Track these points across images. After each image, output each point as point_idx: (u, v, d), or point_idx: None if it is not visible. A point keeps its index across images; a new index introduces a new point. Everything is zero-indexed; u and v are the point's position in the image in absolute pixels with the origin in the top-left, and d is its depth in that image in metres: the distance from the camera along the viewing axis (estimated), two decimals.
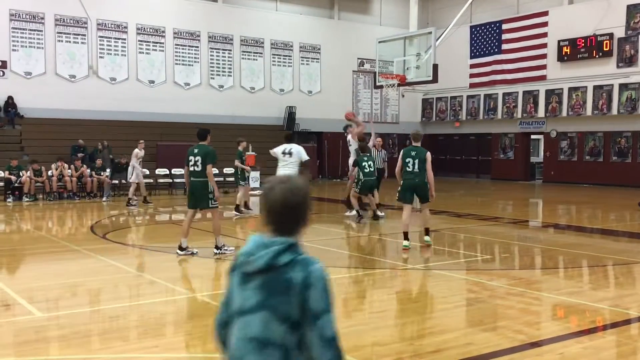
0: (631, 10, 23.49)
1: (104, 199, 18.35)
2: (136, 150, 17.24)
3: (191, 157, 9.11)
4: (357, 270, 8.67)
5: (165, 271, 8.34)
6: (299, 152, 11.58)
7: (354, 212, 13.50)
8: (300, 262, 2.09)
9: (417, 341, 5.30)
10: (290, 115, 27.31)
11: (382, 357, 4.89)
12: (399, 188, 9.82)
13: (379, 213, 13.64)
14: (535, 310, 6.51)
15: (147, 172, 17.94)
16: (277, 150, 11.87)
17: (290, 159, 11.55)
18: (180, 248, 9.16)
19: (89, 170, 19.03)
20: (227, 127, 23.74)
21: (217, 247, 9.21)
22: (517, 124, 27.72)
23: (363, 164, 13.10)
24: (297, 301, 2.06)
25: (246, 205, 15.20)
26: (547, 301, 6.86)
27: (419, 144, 9.72)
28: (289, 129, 27.16)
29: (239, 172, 14.97)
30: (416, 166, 9.48)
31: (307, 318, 2.05)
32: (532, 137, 29.01)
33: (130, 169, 17.46)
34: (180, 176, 21.48)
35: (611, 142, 24.45)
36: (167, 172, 21.46)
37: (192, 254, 9.15)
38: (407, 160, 9.57)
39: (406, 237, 9.70)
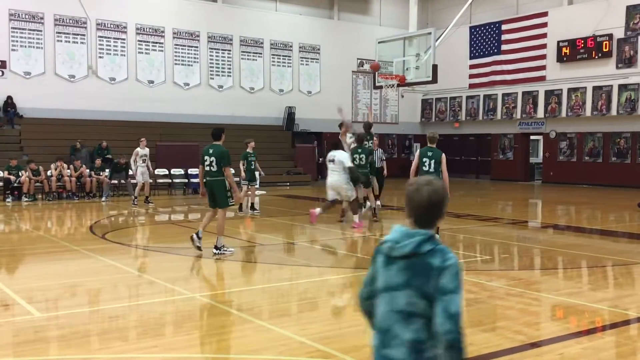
0: (630, 11, 23.50)
1: (103, 199, 18.34)
2: (137, 149, 16.99)
3: (206, 157, 9.19)
4: (358, 271, 8.66)
5: (164, 271, 8.34)
6: (341, 160, 12.03)
7: (367, 207, 13.66)
8: (439, 250, 2.44)
9: None
10: (290, 115, 27.30)
11: None
12: None
13: (375, 211, 13.56)
14: (535, 310, 6.52)
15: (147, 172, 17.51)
16: (327, 160, 12.40)
17: (333, 165, 12.08)
18: (197, 235, 9.21)
19: (88, 170, 19.02)
20: (227, 127, 23.36)
21: (216, 248, 9.19)
22: (516, 124, 27.73)
23: (354, 155, 13.01)
24: (434, 282, 2.39)
25: (252, 207, 15.08)
26: (546, 302, 6.87)
27: (434, 145, 10.21)
28: (288, 130, 27.25)
29: (244, 173, 14.80)
30: (432, 166, 10.04)
31: (437, 293, 2.38)
32: (532, 137, 28.99)
33: (134, 170, 17.27)
34: (180, 176, 21.60)
35: (610, 143, 24.46)
36: (167, 172, 21.45)
37: (198, 247, 9.17)
38: (423, 159, 10.11)
39: None
